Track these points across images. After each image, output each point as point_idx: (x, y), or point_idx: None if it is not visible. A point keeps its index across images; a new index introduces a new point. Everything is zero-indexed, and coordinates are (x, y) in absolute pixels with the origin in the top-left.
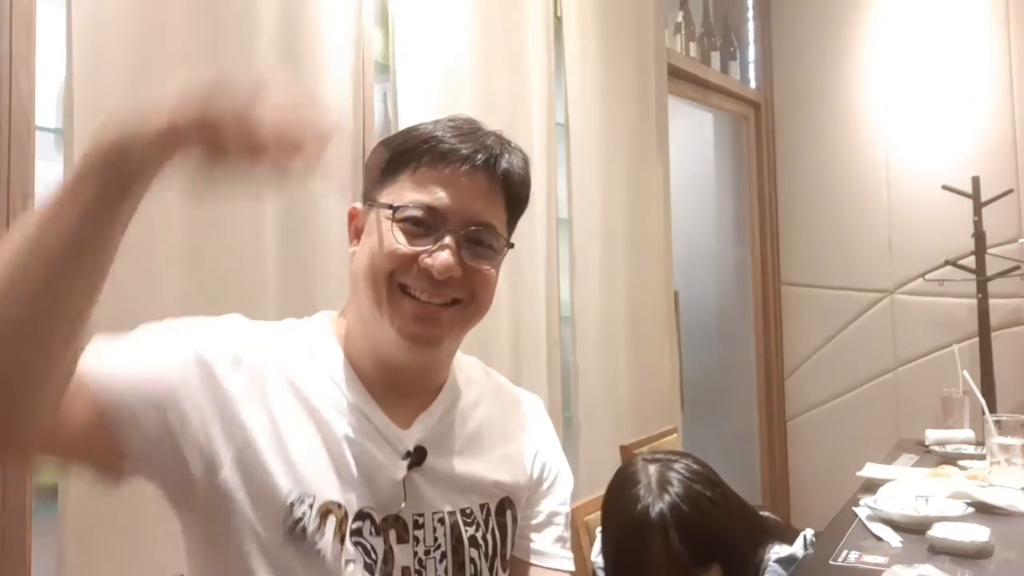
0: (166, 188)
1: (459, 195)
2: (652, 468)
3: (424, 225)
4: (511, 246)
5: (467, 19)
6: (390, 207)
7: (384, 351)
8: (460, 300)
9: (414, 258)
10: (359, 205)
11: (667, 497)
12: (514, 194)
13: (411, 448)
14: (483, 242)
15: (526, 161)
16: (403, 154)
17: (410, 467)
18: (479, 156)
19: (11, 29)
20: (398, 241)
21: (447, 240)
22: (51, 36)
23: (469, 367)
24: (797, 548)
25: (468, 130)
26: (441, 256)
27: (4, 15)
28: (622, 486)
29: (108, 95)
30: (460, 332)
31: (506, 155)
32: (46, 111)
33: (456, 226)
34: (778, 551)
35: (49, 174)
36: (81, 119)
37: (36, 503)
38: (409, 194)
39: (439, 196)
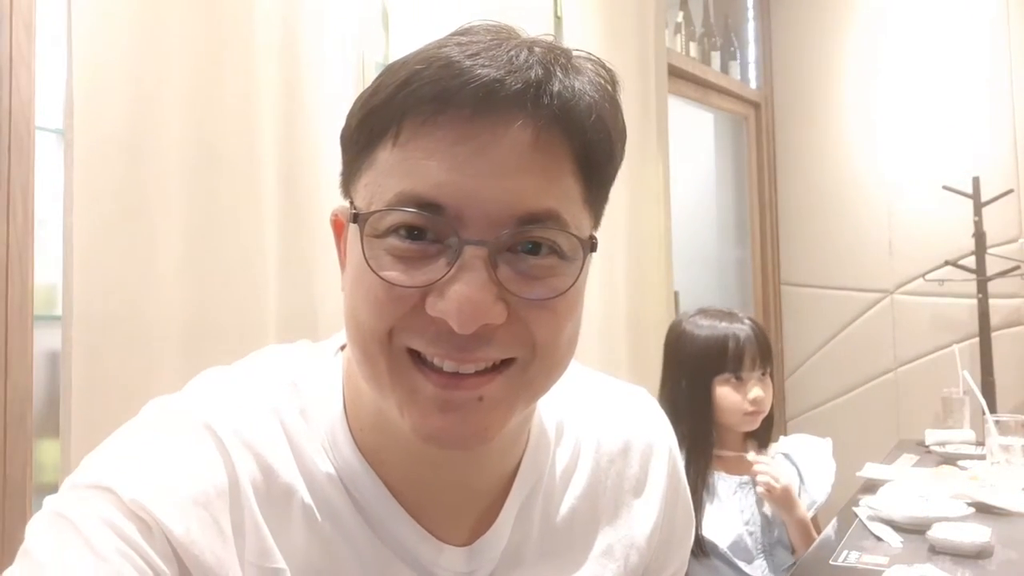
0: (167, 188)
1: (478, 171)
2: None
3: (426, 237)
4: (594, 244)
5: (467, 19)
6: (355, 214)
7: (407, 443)
8: (514, 359)
9: (420, 300)
10: (340, 207)
11: (746, 320)
12: (589, 145)
13: None
14: (539, 248)
15: (606, 81)
16: (381, 108)
17: None
18: (508, 86)
19: (11, 29)
20: (383, 275)
21: (467, 257)
22: (51, 36)
23: (562, 393)
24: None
25: (487, 44)
26: (457, 292)
27: (4, 15)
28: (693, 319)
29: (108, 95)
30: (526, 403)
31: (559, 75)
32: (46, 111)
33: (482, 230)
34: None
35: (49, 174)
36: (81, 119)
37: (36, 503)
38: (390, 181)
39: (441, 180)
